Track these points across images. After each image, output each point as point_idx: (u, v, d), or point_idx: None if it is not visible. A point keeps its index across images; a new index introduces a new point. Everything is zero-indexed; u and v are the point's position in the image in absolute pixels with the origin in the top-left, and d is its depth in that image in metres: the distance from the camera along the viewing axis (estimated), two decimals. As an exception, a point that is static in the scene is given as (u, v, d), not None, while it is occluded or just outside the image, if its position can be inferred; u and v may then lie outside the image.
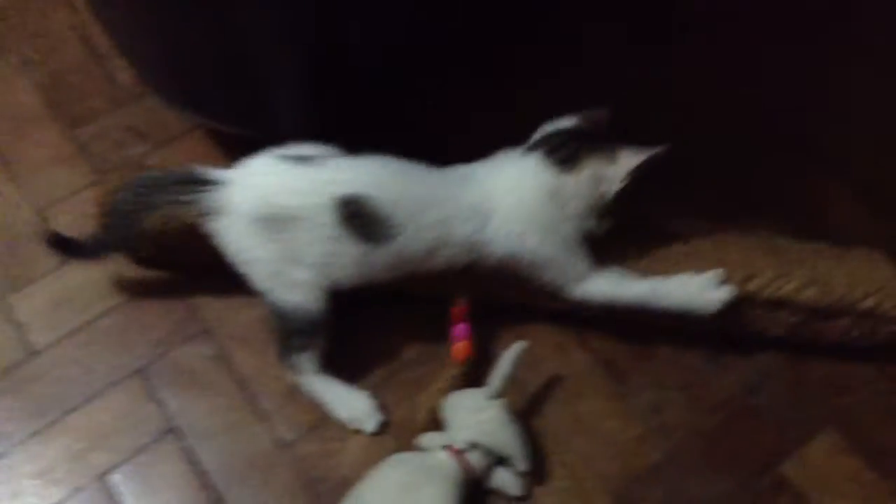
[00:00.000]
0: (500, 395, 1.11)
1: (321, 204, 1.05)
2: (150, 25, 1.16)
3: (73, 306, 1.23)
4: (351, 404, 1.16)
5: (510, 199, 1.11)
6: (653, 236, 1.20)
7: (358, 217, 1.06)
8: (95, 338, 1.21)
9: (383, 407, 1.17)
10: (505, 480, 1.11)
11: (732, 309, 1.13)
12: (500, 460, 1.11)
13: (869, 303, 1.14)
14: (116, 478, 1.12)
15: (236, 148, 1.35)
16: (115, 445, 1.14)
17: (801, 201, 1.36)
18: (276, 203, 1.06)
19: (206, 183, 1.09)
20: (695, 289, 1.12)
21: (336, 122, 1.30)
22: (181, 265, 1.24)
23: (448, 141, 1.38)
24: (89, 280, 1.25)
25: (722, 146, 1.40)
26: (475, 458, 1.08)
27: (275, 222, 1.06)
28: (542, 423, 1.17)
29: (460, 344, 1.16)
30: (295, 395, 1.17)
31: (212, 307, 1.23)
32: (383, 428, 1.16)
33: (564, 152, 1.11)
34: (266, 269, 1.09)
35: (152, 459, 1.13)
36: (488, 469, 1.10)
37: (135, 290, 1.25)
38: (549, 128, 1.16)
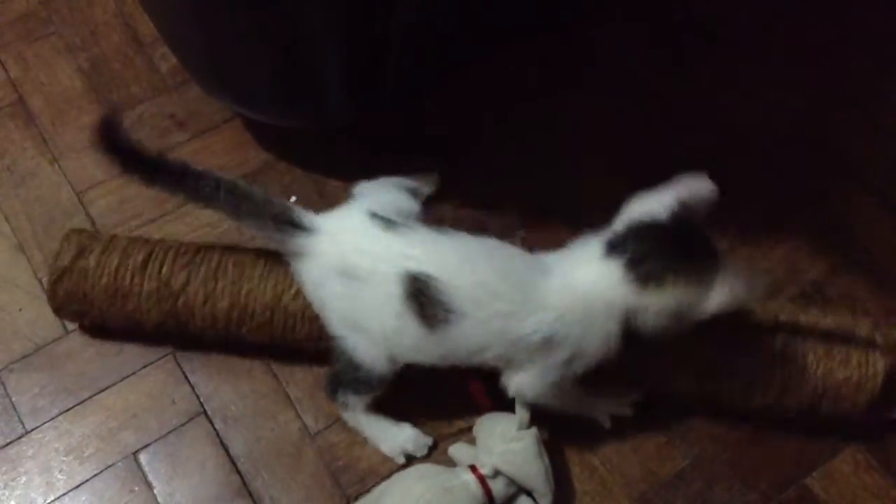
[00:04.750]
0: (529, 425, 1.09)
1: (391, 273, 1.02)
2: (194, 16, 1.17)
3: (108, 287, 1.25)
4: (396, 436, 1.15)
5: (579, 306, 1.00)
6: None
7: (422, 294, 1.01)
8: (129, 319, 1.23)
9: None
10: None
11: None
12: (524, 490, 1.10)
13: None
14: (145, 457, 1.14)
15: (275, 139, 1.38)
16: (145, 425, 1.15)
17: (828, 216, 1.36)
18: (353, 262, 1.04)
19: (299, 226, 1.07)
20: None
21: (379, 117, 1.32)
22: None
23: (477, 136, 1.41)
24: (125, 263, 1.26)
25: (747, 159, 1.41)
26: (497, 486, 1.07)
27: (351, 280, 1.04)
28: (567, 427, 1.17)
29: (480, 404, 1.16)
30: (323, 385, 1.18)
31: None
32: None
33: (649, 267, 0.97)
34: (341, 319, 1.07)
35: (182, 441, 1.15)
36: (510, 499, 1.09)
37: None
38: (637, 212, 1.01)
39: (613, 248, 1.00)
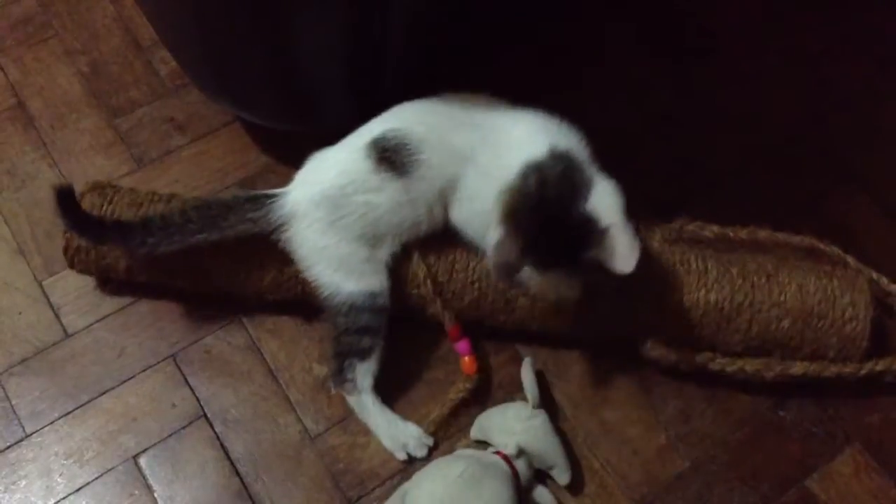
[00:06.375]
0: (540, 405, 1.12)
1: (358, 157, 1.11)
2: (194, 20, 1.17)
3: (109, 290, 1.25)
4: (401, 432, 1.15)
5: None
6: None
7: (387, 151, 1.10)
8: (129, 322, 1.23)
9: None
10: (543, 498, 1.11)
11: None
12: (539, 475, 1.12)
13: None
14: (145, 461, 1.14)
15: (274, 142, 1.38)
16: (145, 429, 1.16)
17: (828, 216, 1.36)
18: (324, 180, 1.12)
19: (272, 196, 1.14)
20: None
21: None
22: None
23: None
24: (125, 266, 1.27)
25: (747, 159, 1.41)
26: (521, 466, 1.09)
27: (331, 200, 1.11)
28: (569, 429, 1.17)
29: (467, 358, 1.18)
30: (323, 387, 1.19)
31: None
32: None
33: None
34: (334, 256, 1.12)
35: (182, 444, 1.15)
36: (530, 482, 1.10)
37: (169, 278, 1.26)
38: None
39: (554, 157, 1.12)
